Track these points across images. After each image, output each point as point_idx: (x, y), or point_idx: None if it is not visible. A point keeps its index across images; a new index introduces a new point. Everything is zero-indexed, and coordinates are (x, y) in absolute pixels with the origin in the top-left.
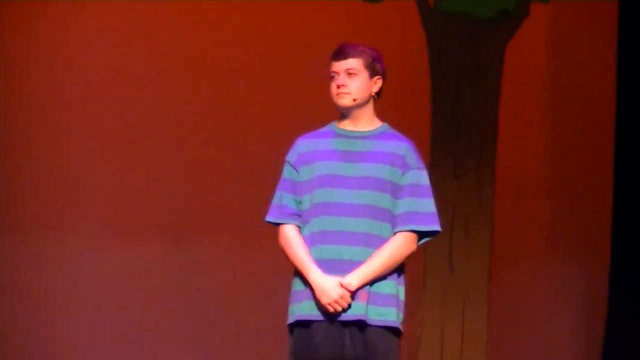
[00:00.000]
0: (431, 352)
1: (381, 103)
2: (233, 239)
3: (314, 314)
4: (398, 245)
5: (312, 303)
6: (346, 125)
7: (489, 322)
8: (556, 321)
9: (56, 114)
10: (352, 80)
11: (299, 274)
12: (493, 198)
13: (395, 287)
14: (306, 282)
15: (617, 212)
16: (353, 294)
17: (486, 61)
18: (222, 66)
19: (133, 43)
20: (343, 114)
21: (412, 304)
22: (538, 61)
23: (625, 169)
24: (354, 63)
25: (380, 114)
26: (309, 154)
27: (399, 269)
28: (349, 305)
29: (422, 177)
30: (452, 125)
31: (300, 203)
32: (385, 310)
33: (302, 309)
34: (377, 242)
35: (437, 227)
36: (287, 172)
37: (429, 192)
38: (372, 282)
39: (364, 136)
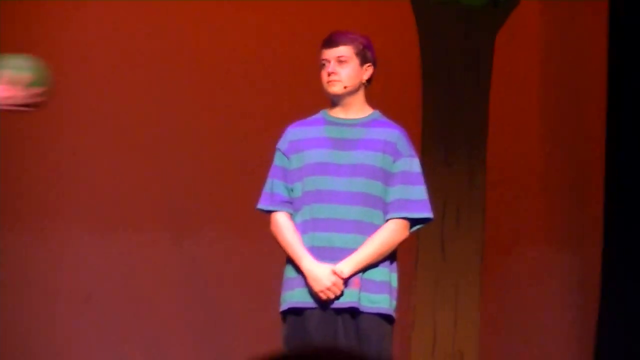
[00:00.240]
0: (424, 340)
1: (373, 91)
2: (237, 233)
3: (306, 301)
4: (390, 233)
5: (304, 290)
6: (337, 113)
7: (481, 309)
8: (549, 309)
9: (56, 111)
10: (343, 68)
11: (291, 262)
12: (485, 186)
13: (387, 274)
14: (298, 270)
15: (609, 200)
16: (345, 282)
17: (477, 49)
18: (222, 62)
19: (133, 42)
20: (334, 101)
21: (404, 291)
22: (530, 49)
23: (617, 157)
24: (344, 50)
25: (371, 102)
26: (300, 142)
27: (391, 256)
28: (342, 293)
29: (413, 164)
30: (444, 113)
31: (292, 190)
32: (378, 297)
33: (294, 297)
34: (369, 229)
35: (429, 214)
36: (278, 159)
37: (421, 179)
38: (364, 270)
39: (355, 124)
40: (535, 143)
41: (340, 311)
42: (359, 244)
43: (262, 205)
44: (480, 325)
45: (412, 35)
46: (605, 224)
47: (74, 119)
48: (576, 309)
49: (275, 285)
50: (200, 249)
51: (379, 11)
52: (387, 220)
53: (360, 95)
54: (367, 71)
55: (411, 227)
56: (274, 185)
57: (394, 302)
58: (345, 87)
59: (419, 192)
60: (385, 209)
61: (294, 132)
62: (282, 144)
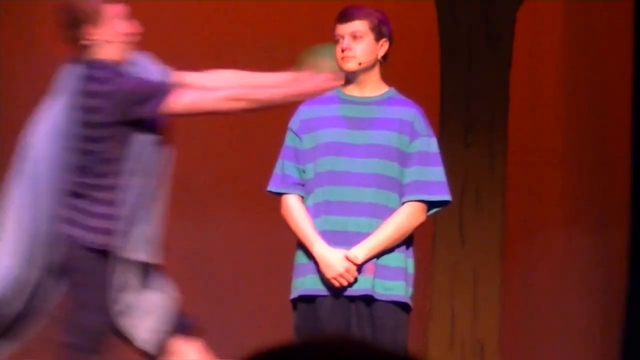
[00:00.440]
0: (441, 329)
1: (390, 69)
2: (246, 216)
3: (318, 288)
4: (406, 216)
5: (316, 277)
6: (351, 91)
7: (501, 297)
8: (573, 295)
9: None
10: (358, 44)
11: (302, 247)
12: (505, 167)
13: (403, 260)
14: (310, 255)
15: (636, 180)
16: (359, 268)
17: (497, 27)
18: (222, 59)
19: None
20: (348, 78)
21: (421, 278)
22: (553, 28)
23: None
24: (359, 25)
25: (388, 80)
26: (313, 121)
27: (407, 241)
28: (355, 280)
29: (431, 144)
30: (463, 92)
31: (304, 172)
32: (393, 284)
33: (305, 284)
34: (384, 212)
35: (447, 196)
36: (289, 139)
37: (439, 160)
38: (379, 255)
39: (370, 102)
40: (558, 123)
41: (353, 299)
42: (374, 228)
43: (272, 187)
44: (501, 314)
45: (431, 12)
46: (632, 204)
47: None
48: (602, 294)
49: (286, 272)
50: (209, 233)
51: None
52: (403, 203)
53: (376, 72)
54: (383, 47)
55: (428, 210)
56: (284, 166)
57: (410, 290)
58: (359, 64)
59: (437, 173)
60: (401, 191)
61: (306, 111)
62: (294, 123)
